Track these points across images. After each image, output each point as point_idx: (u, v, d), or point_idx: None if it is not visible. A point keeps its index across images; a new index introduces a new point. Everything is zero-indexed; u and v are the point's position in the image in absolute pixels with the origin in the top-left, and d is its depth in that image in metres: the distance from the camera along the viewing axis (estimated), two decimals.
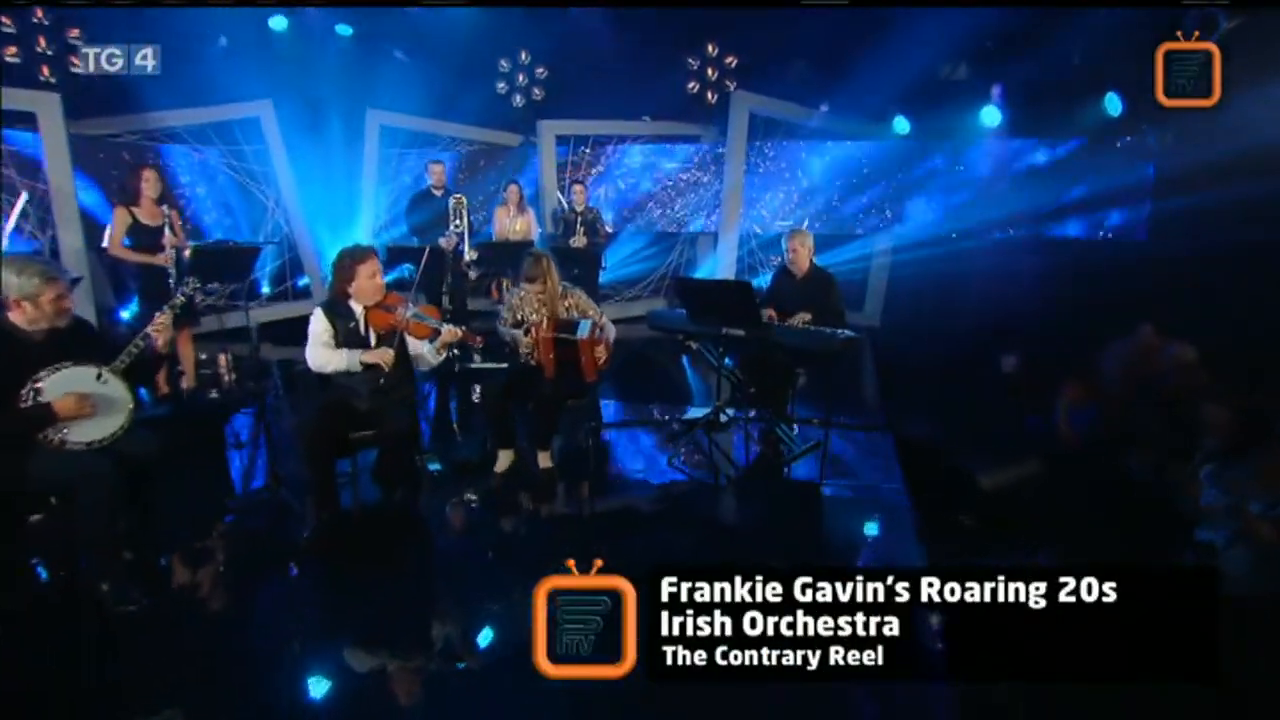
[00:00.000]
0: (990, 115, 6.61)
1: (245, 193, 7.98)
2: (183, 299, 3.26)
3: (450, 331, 3.57)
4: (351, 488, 3.58)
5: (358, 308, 3.60)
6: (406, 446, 3.67)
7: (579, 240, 6.95)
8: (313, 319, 3.59)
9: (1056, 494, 3.68)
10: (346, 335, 3.55)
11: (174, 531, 3.37)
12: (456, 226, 6.70)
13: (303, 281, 8.12)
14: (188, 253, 5.08)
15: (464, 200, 6.81)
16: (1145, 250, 5.33)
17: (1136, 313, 4.49)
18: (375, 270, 3.56)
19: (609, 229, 7.66)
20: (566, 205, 7.28)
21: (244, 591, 3.07)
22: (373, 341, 3.58)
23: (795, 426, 4.59)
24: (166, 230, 4.97)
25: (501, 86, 8.30)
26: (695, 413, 5.14)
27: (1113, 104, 5.68)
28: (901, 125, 7.38)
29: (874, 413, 5.28)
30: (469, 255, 6.73)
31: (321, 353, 3.50)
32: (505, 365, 4.11)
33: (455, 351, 3.79)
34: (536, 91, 8.34)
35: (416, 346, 3.65)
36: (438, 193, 6.96)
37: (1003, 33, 6.03)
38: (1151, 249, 5.23)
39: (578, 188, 7.20)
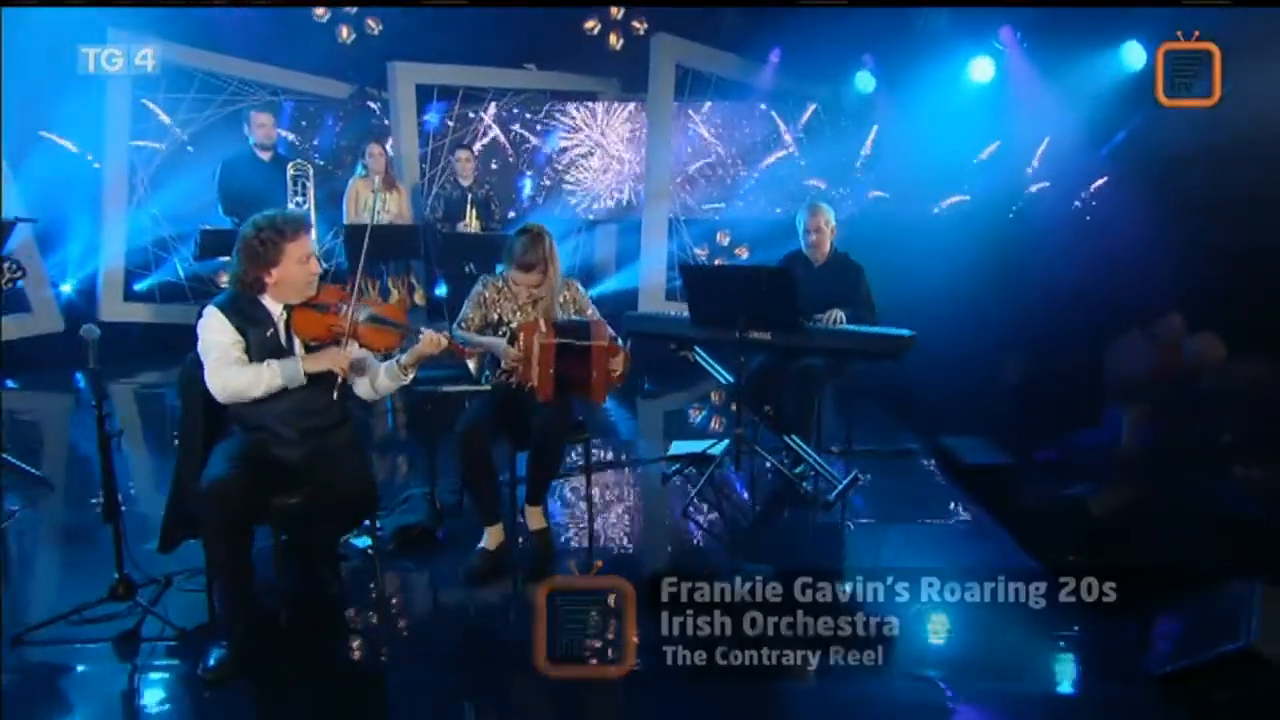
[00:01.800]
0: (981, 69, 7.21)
1: None
2: None
3: (430, 339, 3.26)
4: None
5: (275, 307, 3.19)
6: (355, 514, 3.30)
7: (469, 223, 6.72)
8: (206, 326, 3.12)
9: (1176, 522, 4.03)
10: (260, 348, 3.14)
11: None
12: (297, 203, 6.27)
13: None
14: None
15: (308, 167, 6.38)
16: None
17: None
18: (309, 252, 3.19)
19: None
20: (451, 180, 7.03)
21: None
22: (299, 356, 3.19)
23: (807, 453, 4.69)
24: None
25: (320, 13, 7.90)
26: (689, 446, 5.11)
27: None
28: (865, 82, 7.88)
29: (891, 433, 5.56)
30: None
31: (236, 374, 3.04)
32: (486, 388, 3.81)
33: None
34: (371, 23, 8.03)
35: (371, 362, 3.31)
36: (265, 155, 6.51)
37: None
38: None
39: (463, 155, 6.96)
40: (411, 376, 3.36)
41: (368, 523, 3.46)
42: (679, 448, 5.22)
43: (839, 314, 4.56)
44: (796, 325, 4.36)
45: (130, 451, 5.32)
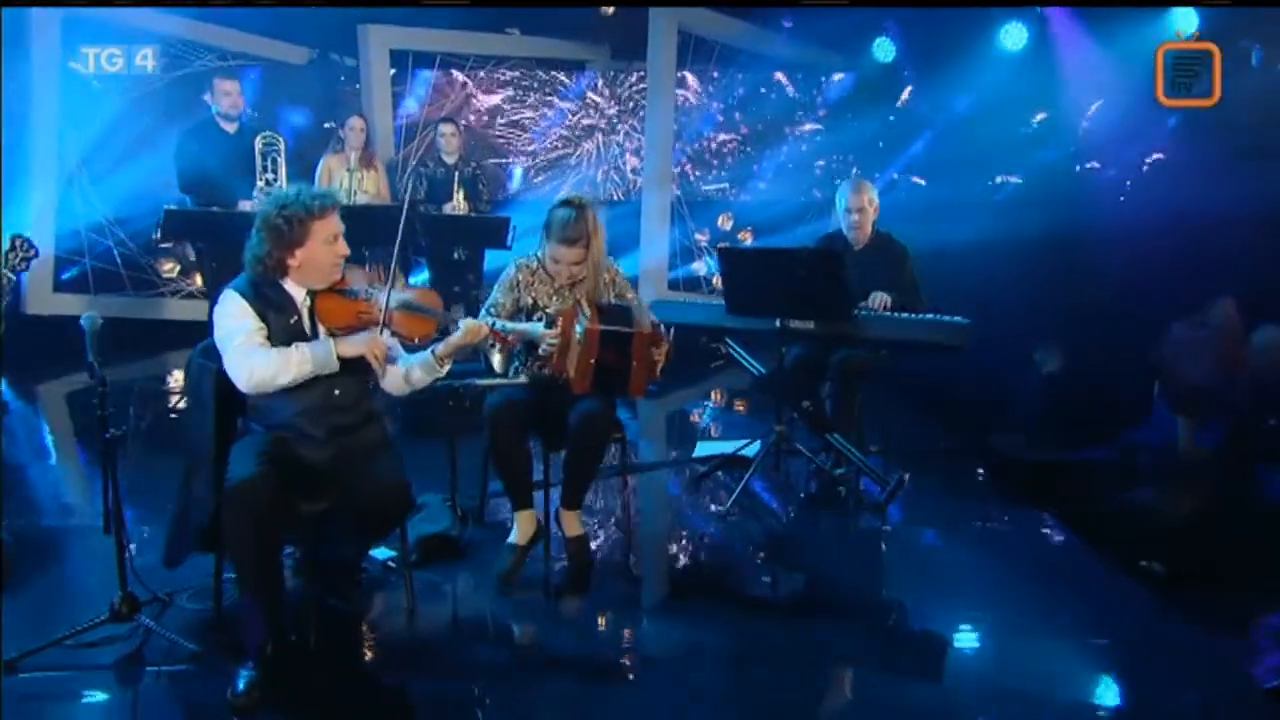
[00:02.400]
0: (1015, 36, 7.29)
1: None
2: None
3: (471, 327, 3.25)
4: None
5: (298, 292, 3.17)
6: (389, 520, 3.28)
7: (456, 205, 6.68)
8: (225, 312, 3.10)
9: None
10: (282, 336, 3.11)
11: None
12: (269, 181, 6.19)
13: None
14: None
15: (279, 140, 6.30)
16: None
17: None
18: (337, 231, 3.16)
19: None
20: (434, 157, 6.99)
21: None
22: None
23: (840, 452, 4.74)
24: None
25: None
26: (717, 447, 5.14)
27: None
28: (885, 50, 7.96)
29: (931, 429, 5.66)
30: None
31: (262, 360, 3.01)
32: (522, 380, 3.79)
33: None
34: None
35: (400, 354, 3.29)
36: (229, 127, 6.43)
37: None
38: None
39: (448, 129, 6.91)
40: (447, 369, 3.35)
41: (397, 531, 3.42)
42: (706, 449, 5.25)
43: (885, 298, 4.60)
44: (846, 313, 4.40)
45: (63, 457, 5.36)
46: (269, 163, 6.29)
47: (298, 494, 3.08)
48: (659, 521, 4.55)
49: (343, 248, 3.17)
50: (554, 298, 3.83)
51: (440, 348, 3.29)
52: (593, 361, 3.63)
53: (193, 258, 7.95)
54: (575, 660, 3.30)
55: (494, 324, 3.42)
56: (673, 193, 8.09)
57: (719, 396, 6.67)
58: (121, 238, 7.89)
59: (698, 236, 8.62)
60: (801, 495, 4.74)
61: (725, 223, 8.76)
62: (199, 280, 7.96)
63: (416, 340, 3.27)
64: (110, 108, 7.67)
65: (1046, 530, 4.38)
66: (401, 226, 3.31)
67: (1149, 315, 5.60)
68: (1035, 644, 3.39)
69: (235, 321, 3.07)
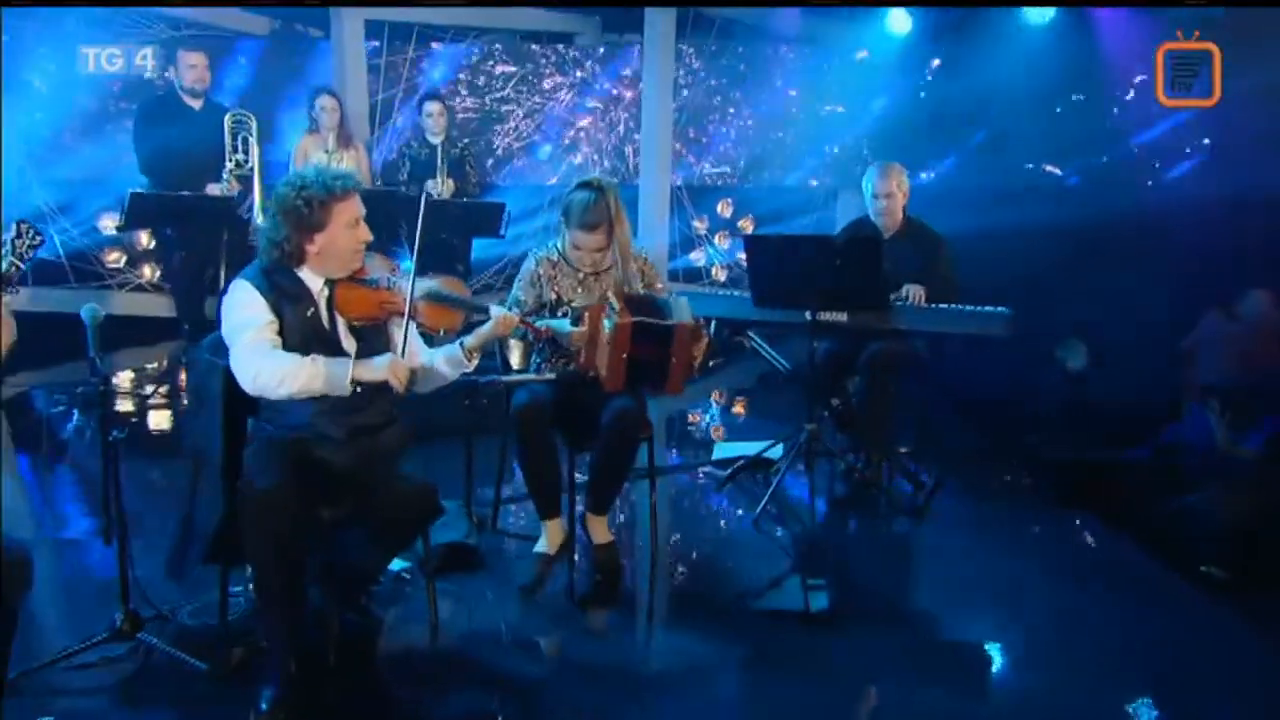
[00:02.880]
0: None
1: None
2: None
3: (503, 318, 3.28)
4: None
5: (315, 281, 3.17)
6: (414, 529, 3.29)
7: (441, 186, 6.69)
8: (236, 302, 3.08)
9: None
10: (298, 329, 3.11)
11: None
12: (239, 163, 6.15)
13: None
14: None
15: (251, 119, 6.27)
16: None
17: None
18: (359, 214, 3.16)
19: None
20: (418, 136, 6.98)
21: None
22: (343, 340, 3.17)
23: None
24: None
25: None
26: (737, 449, 5.20)
27: None
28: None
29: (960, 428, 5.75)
30: (259, 214, 6.25)
31: (271, 363, 2.99)
32: (550, 376, 3.82)
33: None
34: None
35: (420, 347, 3.30)
36: (194, 103, 6.40)
37: None
38: None
39: (435, 108, 6.89)
40: (475, 363, 3.37)
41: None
42: (724, 450, 5.30)
43: (919, 290, 4.66)
44: (882, 304, 4.47)
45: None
46: (239, 142, 6.26)
47: (317, 500, 3.08)
48: (685, 528, 4.58)
49: (365, 233, 3.17)
50: (579, 290, 3.86)
51: (470, 339, 3.31)
52: (625, 357, 3.64)
53: (141, 247, 7.93)
54: (605, 672, 3.33)
55: (528, 316, 3.44)
56: (672, 179, 8.12)
57: (720, 396, 6.72)
58: (65, 226, 7.80)
59: (696, 224, 8.67)
60: (833, 498, 4.81)
61: (725, 210, 8.83)
62: (148, 273, 7.96)
63: (442, 332, 3.28)
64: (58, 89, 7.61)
65: (1092, 534, 4.48)
66: (421, 210, 3.32)
67: (1185, 307, 5.73)
68: (1093, 655, 3.45)
69: (246, 313, 3.06)
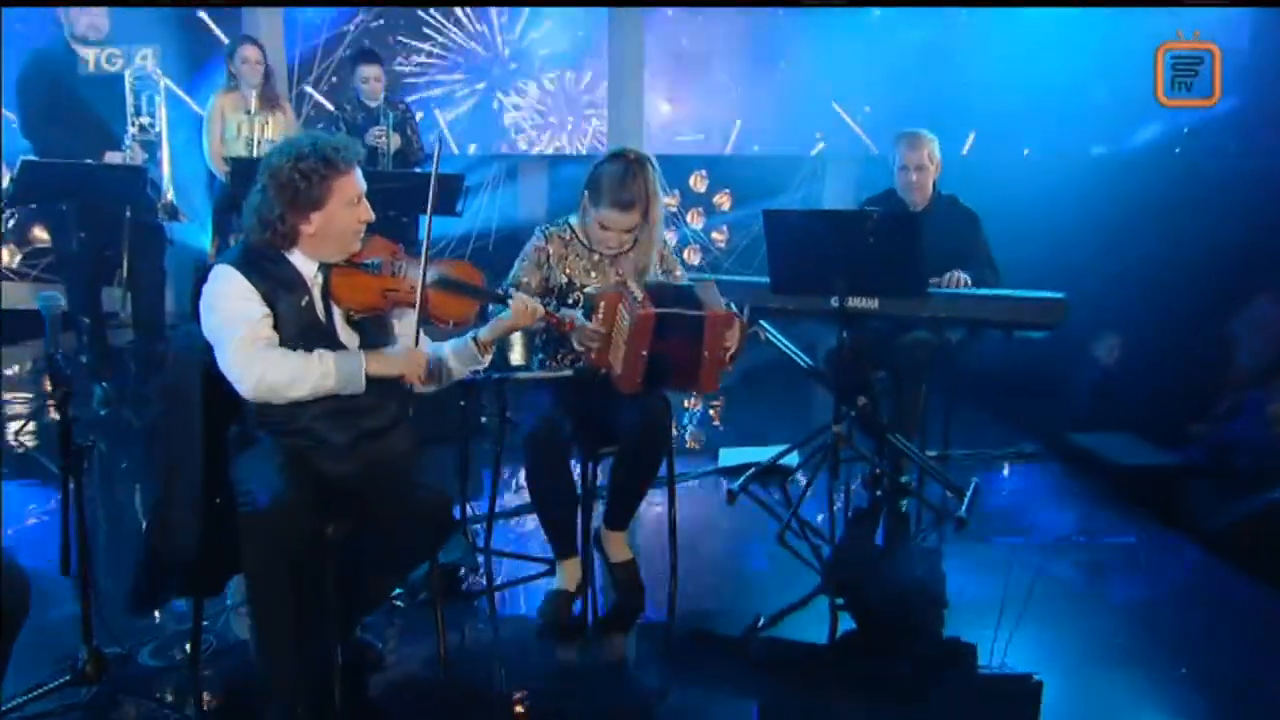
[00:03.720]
0: None
1: None
2: None
3: (523, 307, 3.28)
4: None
5: (309, 266, 3.15)
6: (426, 545, 3.31)
7: (383, 136, 6.73)
8: (222, 293, 3.03)
9: None
10: (291, 322, 3.09)
11: None
12: (143, 126, 6.06)
13: None
14: None
15: (158, 77, 6.17)
16: None
17: None
18: (360, 191, 3.15)
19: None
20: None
21: None
22: (340, 334, 3.16)
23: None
24: None
25: None
26: (745, 455, 5.26)
27: None
28: None
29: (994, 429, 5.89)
30: (167, 189, 6.25)
31: (277, 364, 2.97)
32: (567, 373, 3.83)
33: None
34: None
35: (424, 341, 3.30)
36: (89, 54, 6.13)
37: None
38: None
39: (371, 73, 6.86)
40: (489, 359, 3.38)
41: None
42: (731, 457, 5.37)
43: (962, 276, 4.76)
44: (921, 289, 4.56)
45: None
46: (143, 100, 6.13)
47: (320, 516, 3.07)
48: (704, 542, 4.61)
49: (366, 211, 3.16)
50: (592, 273, 3.87)
51: (484, 332, 3.31)
52: (645, 354, 3.63)
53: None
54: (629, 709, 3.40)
55: (548, 304, 3.44)
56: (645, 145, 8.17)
57: (696, 402, 6.77)
58: None
59: (667, 201, 8.70)
60: (860, 508, 4.91)
61: (699, 184, 8.91)
62: (5, 255, 7.79)
63: (453, 324, 3.27)
64: None
65: (1158, 544, 4.61)
66: (434, 182, 3.31)
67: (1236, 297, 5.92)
68: (1180, 682, 3.55)
69: (236, 306, 3.02)
